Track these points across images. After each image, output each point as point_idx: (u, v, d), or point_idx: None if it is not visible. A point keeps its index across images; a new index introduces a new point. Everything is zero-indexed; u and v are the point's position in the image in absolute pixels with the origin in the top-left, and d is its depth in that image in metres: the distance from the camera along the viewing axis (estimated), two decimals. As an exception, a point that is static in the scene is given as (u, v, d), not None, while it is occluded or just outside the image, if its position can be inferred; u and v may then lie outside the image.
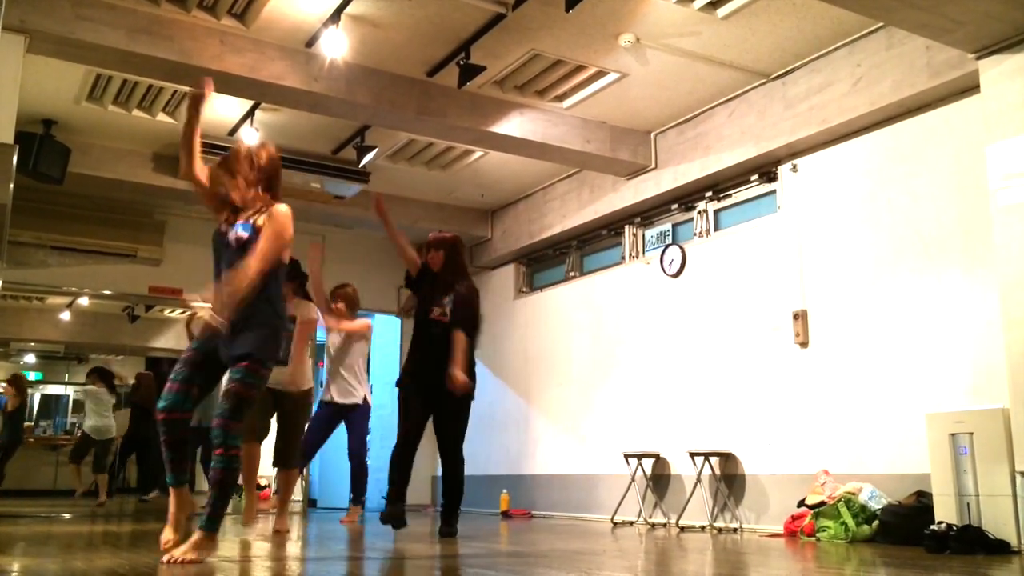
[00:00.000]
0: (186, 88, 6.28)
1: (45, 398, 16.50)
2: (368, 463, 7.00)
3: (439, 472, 9.45)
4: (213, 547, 3.40)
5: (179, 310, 13.22)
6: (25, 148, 6.40)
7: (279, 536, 5.18)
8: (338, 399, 6.56)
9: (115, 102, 6.69)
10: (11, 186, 4.27)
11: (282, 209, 3.58)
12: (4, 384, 11.02)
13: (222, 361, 3.53)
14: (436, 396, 5.17)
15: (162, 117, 6.92)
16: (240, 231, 3.54)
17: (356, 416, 6.73)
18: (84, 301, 12.28)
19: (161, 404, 3.45)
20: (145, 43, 5.34)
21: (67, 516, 7.41)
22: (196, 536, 3.33)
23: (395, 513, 5.07)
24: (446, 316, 5.21)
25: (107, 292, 9.91)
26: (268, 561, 3.74)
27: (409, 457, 5.17)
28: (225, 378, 3.54)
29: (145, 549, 4.10)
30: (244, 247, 3.50)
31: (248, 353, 3.43)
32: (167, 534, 3.45)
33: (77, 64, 5.72)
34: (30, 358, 16.18)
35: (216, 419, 3.39)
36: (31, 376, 15.82)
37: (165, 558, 3.28)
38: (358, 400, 6.64)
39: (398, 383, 5.32)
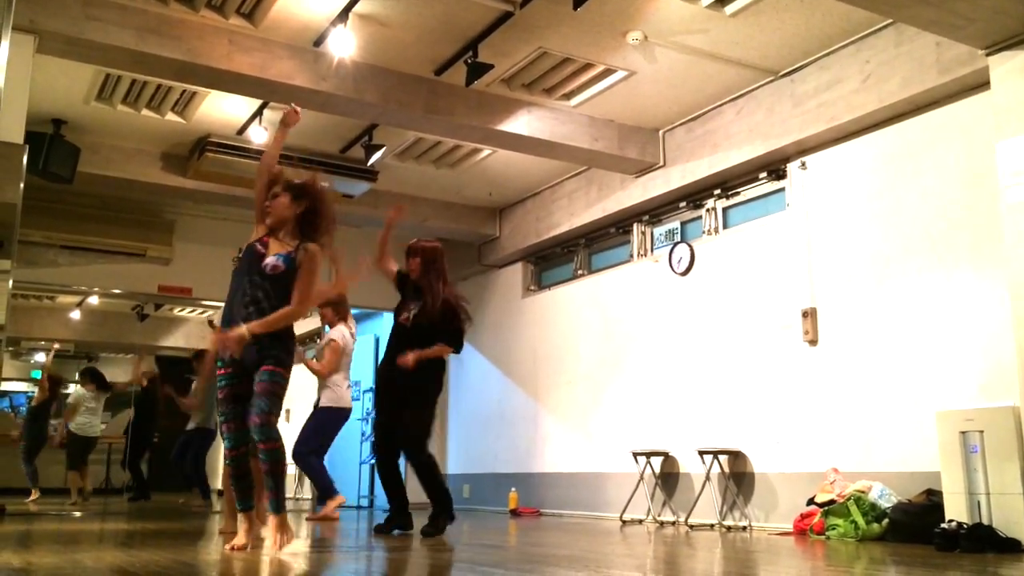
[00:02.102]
0: (195, 87, 6.31)
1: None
2: (313, 462, 6.81)
3: (449, 471, 9.51)
4: (288, 525, 3.77)
5: (188, 309, 13.30)
6: (35, 148, 6.42)
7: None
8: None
9: (124, 102, 6.72)
10: (21, 186, 4.29)
11: (315, 248, 3.93)
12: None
13: (252, 376, 3.84)
14: (398, 395, 5.17)
15: (171, 116, 6.94)
16: (280, 262, 3.86)
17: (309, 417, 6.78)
18: (94, 300, 12.34)
19: (226, 444, 3.86)
20: (154, 43, 5.36)
21: (77, 514, 7.45)
22: (273, 522, 3.75)
23: (383, 529, 5.16)
24: (409, 320, 5.19)
25: (117, 291, 9.95)
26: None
27: (385, 468, 5.20)
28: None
29: (156, 547, 4.12)
30: (278, 277, 3.84)
31: (275, 356, 3.79)
32: (240, 540, 3.78)
33: (87, 64, 5.74)
34: (40, 357, 16.25)
35: (254, 416, 3.71)
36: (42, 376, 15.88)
37: (268, 552, 3.70)
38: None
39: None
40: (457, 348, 5.28)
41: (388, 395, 5.25)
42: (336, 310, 6.71)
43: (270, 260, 3.87)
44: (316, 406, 6.83)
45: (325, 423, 6.77)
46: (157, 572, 3.05)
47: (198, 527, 5.86)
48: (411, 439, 5.10)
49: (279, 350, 3.84)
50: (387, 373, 5.22)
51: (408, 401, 5.12)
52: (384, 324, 10.67)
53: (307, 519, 6.81)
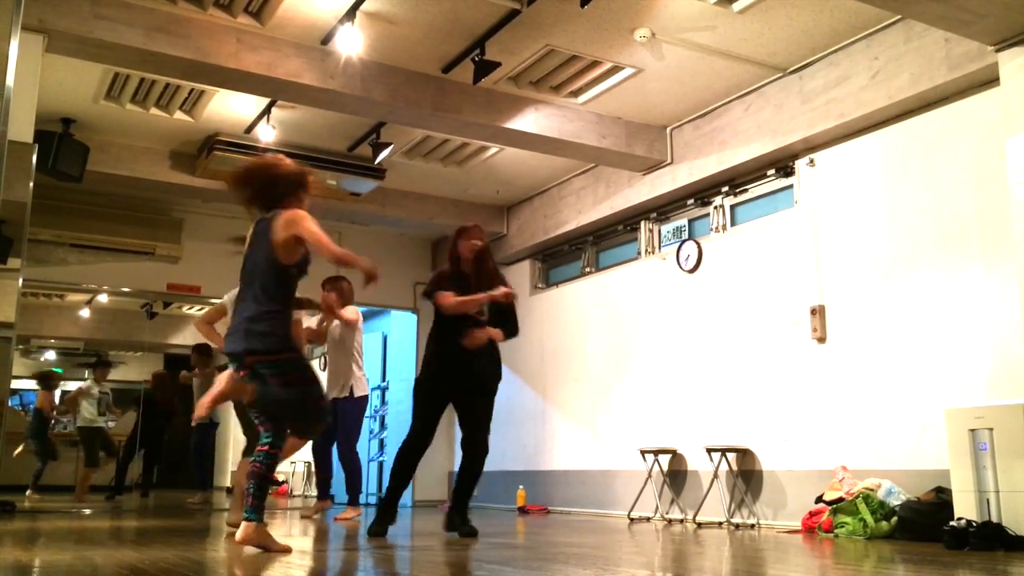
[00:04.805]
0: (203, 86, 6.33)
1: (64, 395, 16.60)
2: (359, 460, 6.73)
3: (455, 468, 9.50)
4: (256, 534, 3.65)
5: (197, 307, 13.34)
6: (44, 147, 6.45)
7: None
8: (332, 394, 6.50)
9: (133, 100, 6.74)
10: (31, 184, 4.32)
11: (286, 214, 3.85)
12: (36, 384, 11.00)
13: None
14: (466, 387, 5.06)
15: (179, 115, 6.96)
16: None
17: (341, 410, 6.51)
18: (103, 298, 12.39)
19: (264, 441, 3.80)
20: (162, 42, 5.38)
21: (87, 511, 7.48)
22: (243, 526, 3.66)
23: (379, 530, 4.82)
24: (484, 315, 5.03)
25: (126, 289, 9.99)
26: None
27: (413, 463, 5.02)
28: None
29: (165, 544, 4.14)
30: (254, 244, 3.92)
31: (276, 365, 3.73)
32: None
33: (95, 63, 5.76)
34: (50, 355, 16.33)
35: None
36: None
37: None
38: (338, 393, 6.50)
39: (419, 382, 5.11)
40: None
41: (444, 393, 5.08)
42: (340, 295, 6.53)
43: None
44: (346, 396, 6.56)
45: (361, 413, 6.72)
46: (167, 569, 3.06)
47: (206, 524, 5.88)
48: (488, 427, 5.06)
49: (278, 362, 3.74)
50: (453, 368, 5.02)
51: (485, 391, 5.10)
52: (392, 322, 10.69)
53: (335, 519, 6.61)
